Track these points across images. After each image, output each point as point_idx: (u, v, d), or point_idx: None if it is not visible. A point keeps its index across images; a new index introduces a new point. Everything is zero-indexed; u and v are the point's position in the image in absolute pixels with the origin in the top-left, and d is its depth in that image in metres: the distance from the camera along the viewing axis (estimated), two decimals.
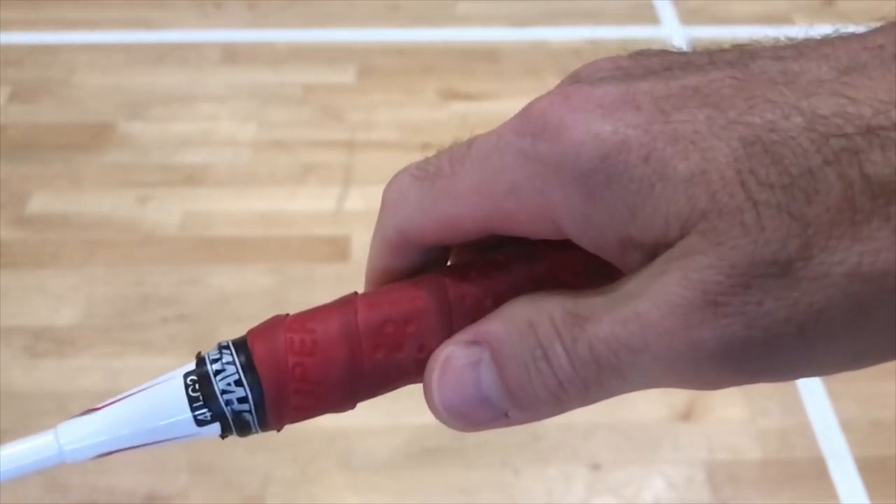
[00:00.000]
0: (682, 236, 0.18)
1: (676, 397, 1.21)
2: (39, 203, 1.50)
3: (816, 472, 1.14)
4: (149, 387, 0.22)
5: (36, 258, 1.40)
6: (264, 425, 0.22)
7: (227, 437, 0.22)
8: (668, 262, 0.18)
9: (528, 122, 0.19)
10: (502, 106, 1.64)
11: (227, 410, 0.21)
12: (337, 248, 1.42)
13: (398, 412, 1.19)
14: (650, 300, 0.18)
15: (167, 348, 1.27)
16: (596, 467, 1.14)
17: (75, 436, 0.21)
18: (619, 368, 0.19)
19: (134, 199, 1.50)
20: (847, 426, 1.18)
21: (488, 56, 1.81)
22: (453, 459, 1.15)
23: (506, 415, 0.20)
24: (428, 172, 0.21)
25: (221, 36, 1.87)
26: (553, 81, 0.22)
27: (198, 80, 1.74)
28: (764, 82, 0.18)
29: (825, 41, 0.20)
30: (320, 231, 1.45)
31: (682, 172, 0.18)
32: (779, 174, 0.17)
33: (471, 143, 0.21)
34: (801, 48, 0.19)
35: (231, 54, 1.81)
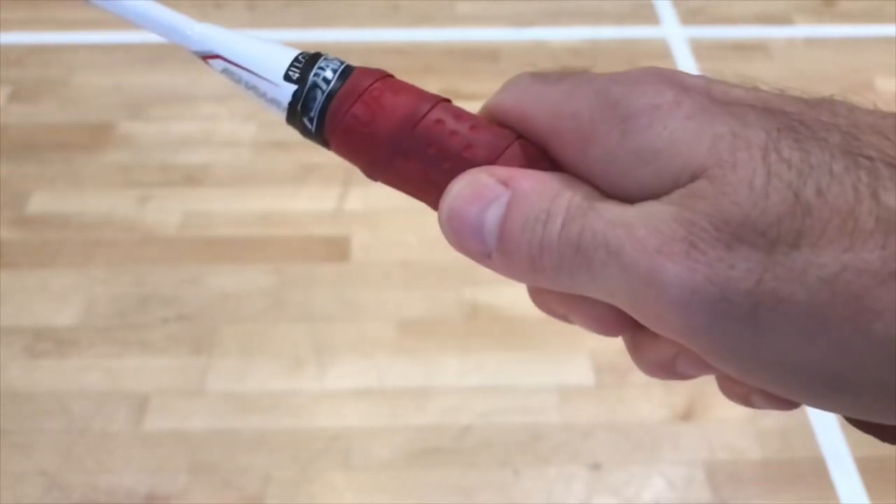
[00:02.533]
0: (693, 176, 0.19)
1: (677, 397, 1.21)
2: (39, 203, 1.50)
3: (816, 472, 1.14)
4: (275, 44, 0.25)
5: (36, 258, 1.40)
6: (322, 116, 0.24)
7: (291, 111, 0.24)
8: (675, 196, 0.19)
9: (625, 75, 0.21)
10: None
11: (309, 80, 0.24)
12: (337, 248, 1.42)
13: (398, 412, 1.19)
14: (644, 219, 0.19)
15: (167, 348, 1.27)
16: (596, 467, 1.14)
17: (208, 28, 0.25)
18: (591, 261, 0.20)
19: (134, 199, 1.50)
20: (847, 426, 1.18)
21: (488, 56, 1.81)
22: (453, 459, 1.15)
23: (489, 255, 0.22)
24: (542, 76, 0.24)
25: None
26: None
27: (198, 80, 1.74)
28: (824, 108, 0.19)
29: None
30: (320, 231, 1.45)
31: (717, 131, 0.19)
32: (801, 160, 0.18)
33: (587, 71, 0.23)
34: (876, 115, 0.20)
35: None
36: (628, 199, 0.20)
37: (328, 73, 0.24)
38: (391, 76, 0.25)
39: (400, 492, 1.12)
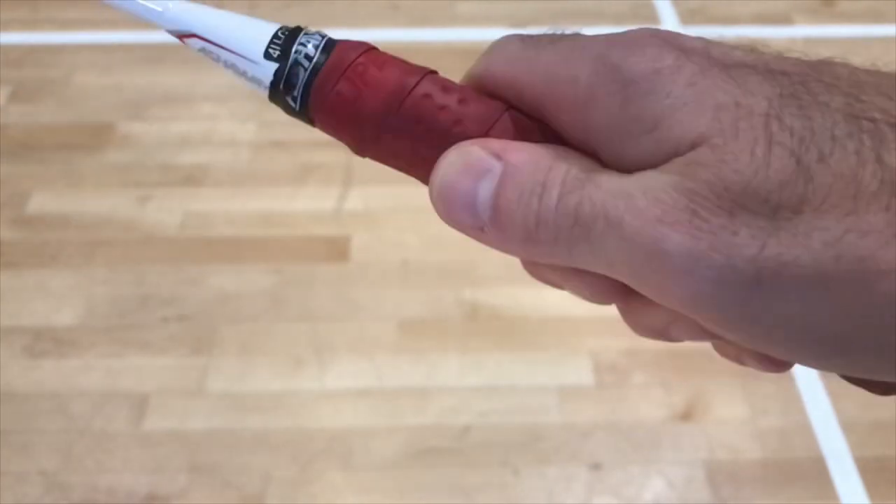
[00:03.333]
0: (693, 145, 0.18)
1: (677, 397, 1.21)
2: (39, 203, 1.50)
3: (816, 472, 1.14)
4: (254, 18, 0.24)
5: (36, 258, 1.40)
6: (305, 95, 0.23)
7: (273, 90, 0.23)
8: (675, 165, 0.19)
9: (623, 37, 0.21)
10: None
11: (291, 58, 0.23)
12: (337, 248, 1.42)
13: (398, 412, 1.19)
14: (644, 189, 0.19)
15: (167, 348, 1.27)
16: (596, 467, 1.14)
17: (183, 4, 0.24)
18: (589, 232, 0.19)
19: (134, 199, 1.50)
20: (847, 426, 1.18)
21: None
22: (453, 459, 1.15)
23: (482, 228, 0.21)
24: (533, 40, 0.23)
25: None
26: None
27: (198, 80, 1.74)
28: (826, 69, 0.19)
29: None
30: (320, 231, 1.45)
31: (719, 100, 0.19)
32: (802, 126, 0.18)
33: (578, 33, 0.22)
34: (878, 76, 0.20)
35: None
36: (627, 167, 0.20)
37: (310, 49, 0.24)
38: (375, 49, 0.24)
39: (400, 492, 1.12)
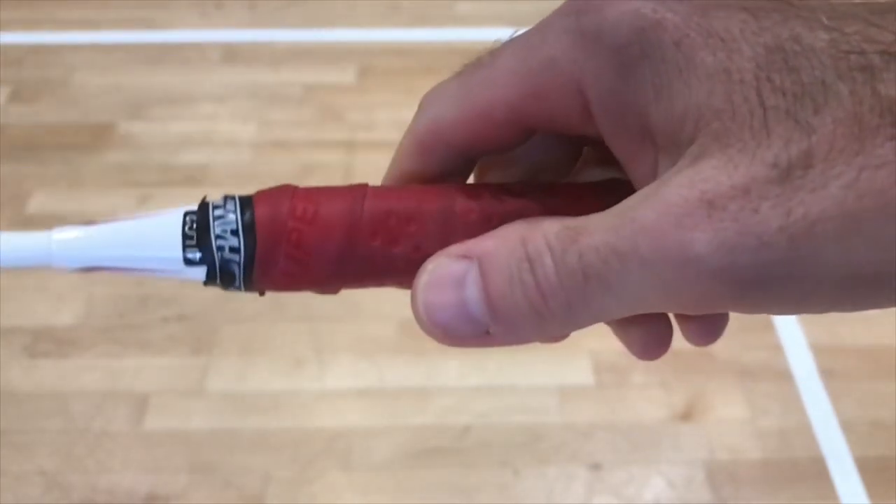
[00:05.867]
0: (695, 133, 0.18)
1: (676, 397, 1.21)
2: (39, 203, 1.50)
3: (816, 472, 1.14)
4: (149, 216, 0.22)
5: None
6: (248, 283, 0.21)
7: (209, 285, 0.21)
8: (677, 171, 0.18)
9: (574, 2, 0.20)
10: None
11: (217, 256, 0.21)
12: None
13: (398, 412, 1.19)
14: (648, 206, 0.18)
15: (167, 348, 1.27)
16: (596, 467, 1.14)
17: (68, 239, 0.22)
18: (605, 278, 0.18)
19: (134, 199, 1.50)
20: (847, 426, 1.18)
21: None
22: (453, 459, 1.15)
23: (487, 332, 0.20)
24: (468, 67, 0.21)
25: (221, 36, 1.87)
26: None
27: (198, 80, 1.74)
28: (802, 2, 0.19)
29: None
30: None
31: (708, 65, 0.18)
32: (792, 82, 0.17)
33: (514, 33, 0.21)
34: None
35: (231, 54, 1.81)
36: (632, 149, 0.19)
37: (231, 240, 0.21)
38: (294, 192, 0.21)
39: (400, 492, 1.12)
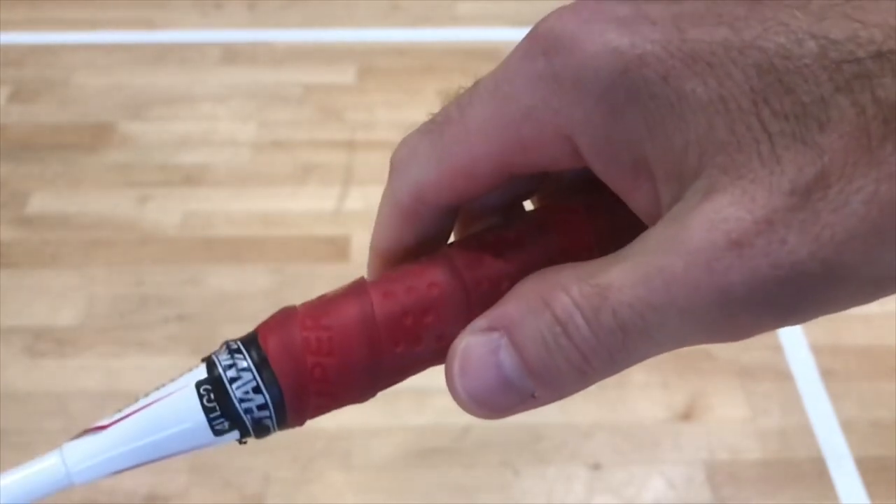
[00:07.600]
0: (700, 166, 0.18)
1: (676, 397, 1.21)
2: (39, 203, 1.50)
3: (816, 472, 1.14)
4: (158, 399, 0.21)
5: (36, 258, 1.40)
6: (283, 426, 0.21)
7: (245, 442, 0.21)
8: (690, 209, 0.18)
9: (538, 41, 0.18)
10: None
11: (246, 419, 0.20)
12: (337, 248, 1.42)
13: (398, 412, 1.19)
14: (672, 252, 0.17)
15: (167, 348, 1.27)
16: (596, 467, 1.14)
17: (84, 455, 0.20)
18: (645, 331, 0.18)
19: (134, 199, 1.50)
20: (847, 426, 1.18)
21: (488, 56, 1.81)
22: (453, 459, 1.15)
23: (532, 395, 0.20)
24: (437, 123, 0.21)
25: (221, 36, 1.87)
26: None
27: (198, 80, 1.74)
28: (776, 4, 0.18)
29: None
30: (320, 231, 1.45)
31: (701, 96, 0.17)
32: (792, 104, 0.17)
33: (476, 83, 0.20)
34: None
35: (231, 54, 1.81)
36: (628, 185, 0.19)
37: (256, 399, 0.20)
38: (301, 322, 0.21)
39: (400, 492, 1.12)
